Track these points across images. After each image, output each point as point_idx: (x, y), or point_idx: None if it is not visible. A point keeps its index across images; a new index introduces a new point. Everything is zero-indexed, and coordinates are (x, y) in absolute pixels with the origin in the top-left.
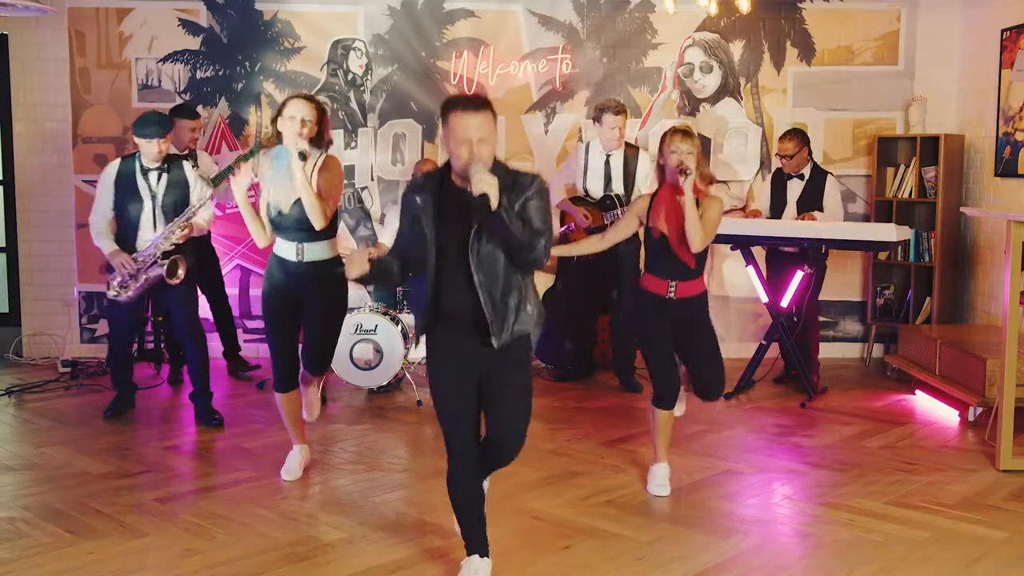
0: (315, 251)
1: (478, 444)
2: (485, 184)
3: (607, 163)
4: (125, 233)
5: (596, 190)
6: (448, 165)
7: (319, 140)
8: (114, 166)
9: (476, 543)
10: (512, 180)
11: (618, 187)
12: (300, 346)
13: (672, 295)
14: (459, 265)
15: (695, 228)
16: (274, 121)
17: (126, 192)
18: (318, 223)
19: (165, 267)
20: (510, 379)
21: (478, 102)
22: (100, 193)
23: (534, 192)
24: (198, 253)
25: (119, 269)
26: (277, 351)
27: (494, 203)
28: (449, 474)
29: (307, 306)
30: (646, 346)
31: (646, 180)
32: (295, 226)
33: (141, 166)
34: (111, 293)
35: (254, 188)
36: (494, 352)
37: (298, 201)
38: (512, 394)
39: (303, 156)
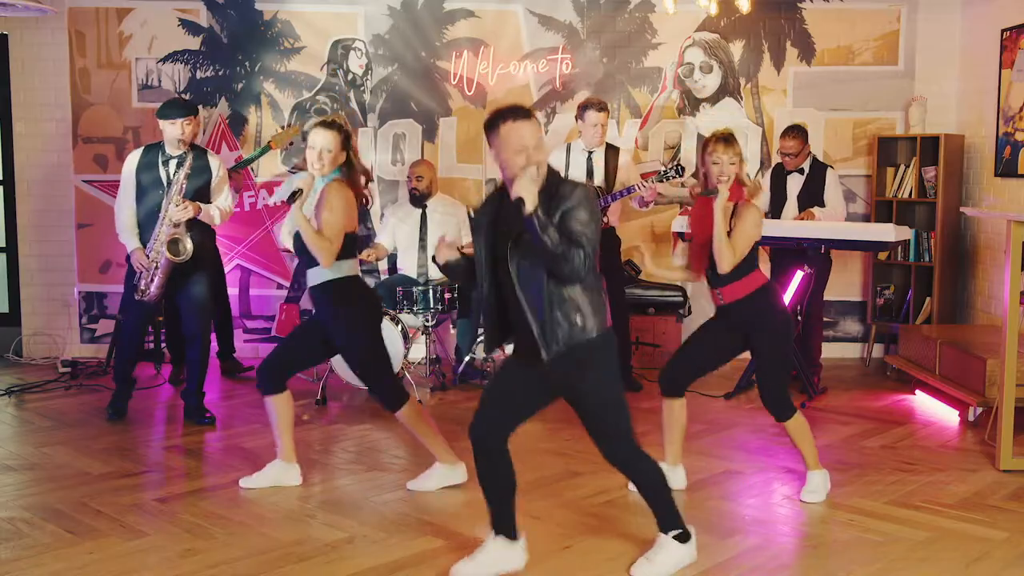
0: (314, 277)
1: (504, 439)
2: (523, 188)
3: (589, 160)
4: (148, 224)
5: None
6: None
7: (348, 168)
8: (136, 155)
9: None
10: (554, 188)
11: (599, 183)
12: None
13: (723, 301)
14: (508, 277)
15: (722, 247)
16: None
17: (148, 181)
18: (322, 259)
19: (166, 247)
20: (582, 387)
21: (525, 111)
22: (123, 185)
23: (576, 203)
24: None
25: (137, 268)
26: (281, 347)
27: (528, 207)
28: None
29: (331, 333)
30: (698, 331)
31: (628, 175)
32: (301, 254)
33: (163, 154)
34: (138, 296)
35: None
36: (555, 364)
37: (296, 234)
38: (588, 400)
39: (293, 198)
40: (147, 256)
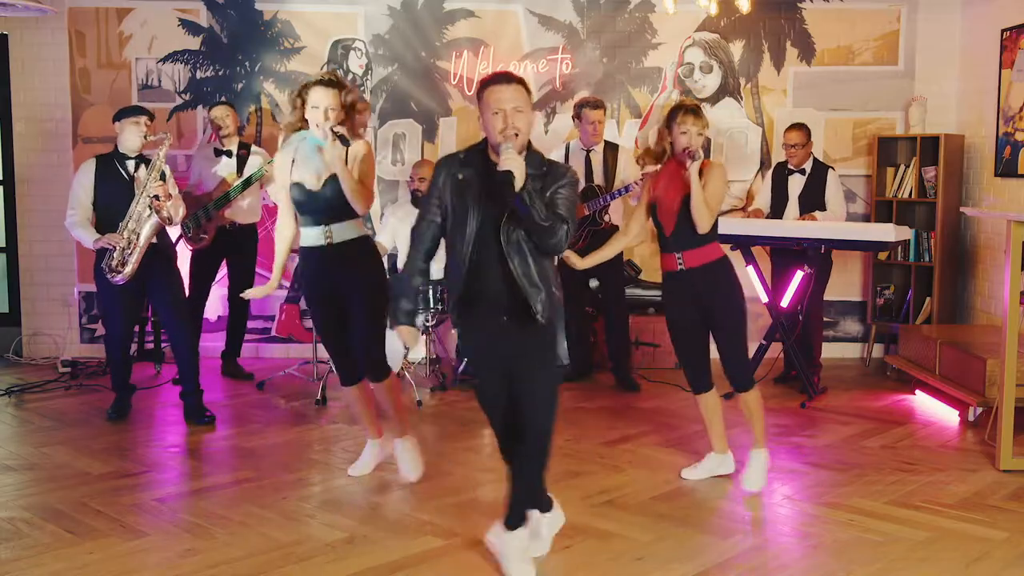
0: (344, 231)
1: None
2: (512, 162)
3: (588, 159)
4: (110, 225)
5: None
6: (484, 144)
7: (350, 126)
8: (91, 163)
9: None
10: (547, 168)
11: (599, 181)
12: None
13: (682, 266)
14: (493, 245)
15: (701, 208)
16: (295, 106)
17: (110, 184)
18: (361, 207)
19: (153, 214)
20: (535, 365)
21: (509, 76)
22: (78, 189)
23: (567, 182)
24: (233, 245)
25: (111, 244)
26: (332, 348)
27: (518, 183)
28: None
29: (348, 291)
30: (671, 332)
31: (627, 173)
32: (324, 206)
33: (119, 157)
34: (111, 275)
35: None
36: (522, 336)
37: (329, 180)
38: (537, 382)
39: (345, 141)
40: (121, 236)
